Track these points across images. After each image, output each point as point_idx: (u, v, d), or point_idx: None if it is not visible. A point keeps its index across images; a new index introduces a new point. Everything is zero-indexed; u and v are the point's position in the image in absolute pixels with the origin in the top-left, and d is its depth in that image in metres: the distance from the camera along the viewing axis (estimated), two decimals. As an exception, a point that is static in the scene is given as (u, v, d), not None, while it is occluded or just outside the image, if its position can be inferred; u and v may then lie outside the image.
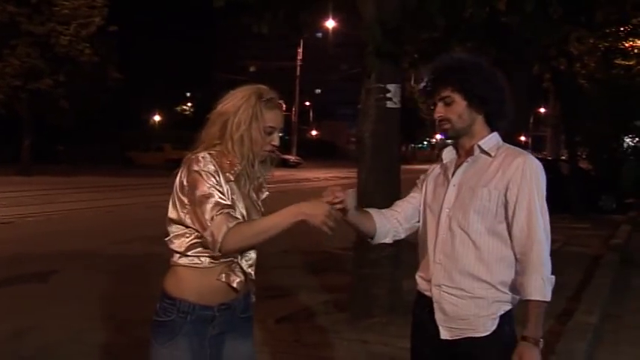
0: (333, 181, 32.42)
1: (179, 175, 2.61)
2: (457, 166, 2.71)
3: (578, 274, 9.51)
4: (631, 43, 19.59)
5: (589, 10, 9.07)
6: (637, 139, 27.67)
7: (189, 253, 2.58)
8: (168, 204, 2.66)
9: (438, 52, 8.41)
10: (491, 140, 2.67)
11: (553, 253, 2.56)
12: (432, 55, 9.42)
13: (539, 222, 2.54)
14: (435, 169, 2.85)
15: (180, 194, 2.59)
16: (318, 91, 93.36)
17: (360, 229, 2.82)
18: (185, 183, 2.56)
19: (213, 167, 2.53)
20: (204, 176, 2.51)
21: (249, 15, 7.39)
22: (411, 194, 2.90)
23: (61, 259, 9.89)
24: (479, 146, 2.65)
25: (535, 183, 2.56)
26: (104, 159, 42.80)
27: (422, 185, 2.86)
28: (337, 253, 10.47)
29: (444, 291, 2.64)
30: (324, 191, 2.55)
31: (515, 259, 2.58)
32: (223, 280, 2.59)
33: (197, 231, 2.55)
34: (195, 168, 2.53)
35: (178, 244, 2.60)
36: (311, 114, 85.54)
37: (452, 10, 6.60)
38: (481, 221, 2.58)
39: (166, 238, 2.64)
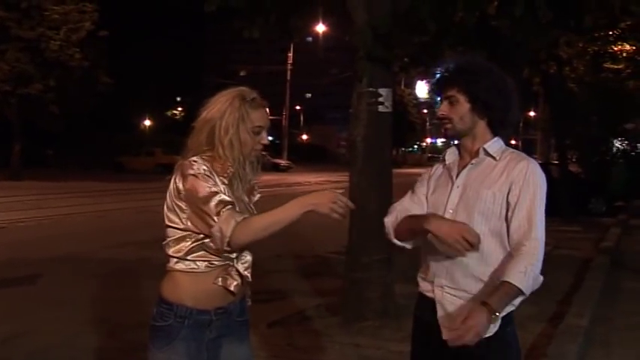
0: (325, 185, 32.45)
1: (173, 180, 2.62)
2: (461, 168, 2.71)
3: (569, 277, 9.56)
4: (620, 46, 19.70)
5: (578, 15, 9.10)
6: (626, 142, 27.82)
7: (188, 258, 2.59)
8: (160, 209, 2.66)
9: (428, 56, 8.48)
10: (496, 144, 2.68)
11: (544, 257, 2.56)
12: (423, 60, 9.50)
13: (538, 223, 2.55)
14: (437, 170, 2.84)
15: (176, 200, 2.60)
16: (308, 95, 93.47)
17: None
18: (182, 188, 2.57)
19: (206, 168, 2.55)
20: (202, 178, 2.52)
21: (241, 19, 7.40)
22: (416, 195, 2.85)
23: (52, 263, 9.86)
24: (484, 149, 2.66)
25: (537, 187, 2.59)
26: (94, 164, 42.65)
27: (425, 185, 2.84)
28: (329, 257, 10.48)
29: (446, 292, 2.64)
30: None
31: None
32: (220, 284, 2.61)
33: (198, 234, 2.56)
34: (191, 172, 2.54)
35: (177, 249, 2.61)
36: (301, 118, 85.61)
37: (442, 14, 6.63)
38: (485, 223, 2.58)
39: (164, 242, 2.65)
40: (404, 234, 2.76)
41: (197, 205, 2.52)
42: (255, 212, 2.72)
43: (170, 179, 2.64)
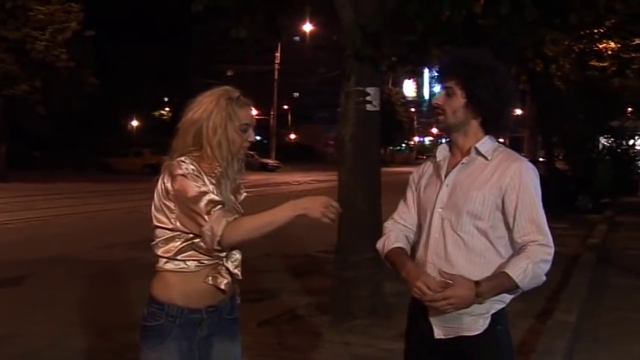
0: (313, 184, 32.45)
1: (160, 181, 2.62)
2: (451, 166, 2.70)
3: (557, 273, 9.60)
4: (605, 44, 19.78)
5: (564, 13, 9.15)
6: (612, 139, 27.99)
7: (178, 258, 2.60)
8: (149, 209, 2.66)
9: (416, 55, 8.51)
10: (487, 143, 2.66)
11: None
12: (410, 59, 9.52)
13: (543, 225, 2.58)
14: (427, 167, 2.84)
15: (165, 200, 2.60)
16: (296, 94, 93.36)
17: None
18: (170, 189, 2.57)
19: (195, 168, 2.55)
20: (190, 177, 2.53)
21: (228, 19, 7.40)
22: (407, 204, 2.87)
23: (40, 265, 9.82)
24: (476, 148, 2.64)
25: (534, 189, 2.60)
26: (82, 165, 42.42)
27: (413, 189, 2.85)
28: (319, 256, 10.48)
29: None
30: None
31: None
32: (210, 282, 2.61)
33: (187, 234, 2.57)
34: (179, 172, 2.54)
35: (167, 249, 2.61)
36: (289, 118, 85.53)
37: (429, 13, 6.64)
38: (473, 222, 2.59)
39: (153, 243, 2.65)
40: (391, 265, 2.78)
41: (187, 205, 2.52)
42: (242, 211, 2.72)
43: (157, 180, 2.64)
